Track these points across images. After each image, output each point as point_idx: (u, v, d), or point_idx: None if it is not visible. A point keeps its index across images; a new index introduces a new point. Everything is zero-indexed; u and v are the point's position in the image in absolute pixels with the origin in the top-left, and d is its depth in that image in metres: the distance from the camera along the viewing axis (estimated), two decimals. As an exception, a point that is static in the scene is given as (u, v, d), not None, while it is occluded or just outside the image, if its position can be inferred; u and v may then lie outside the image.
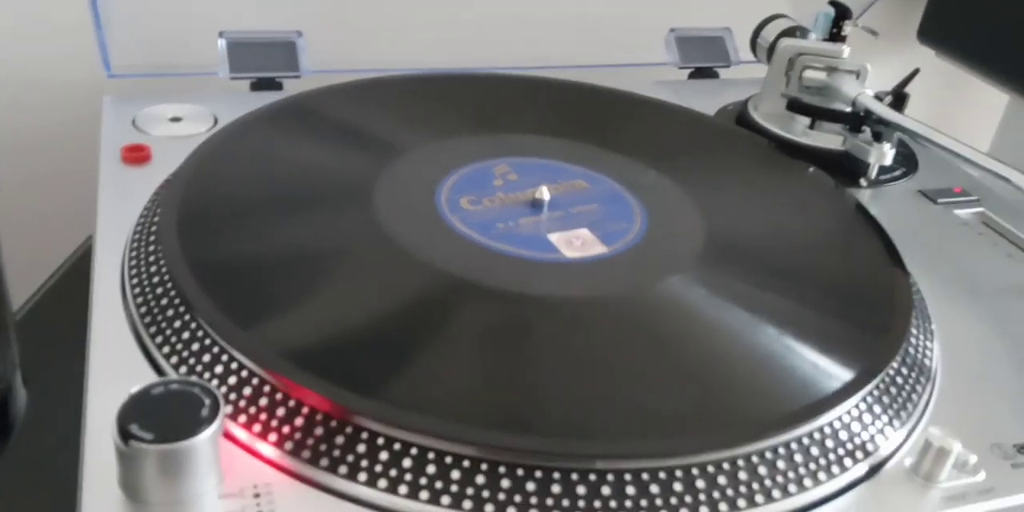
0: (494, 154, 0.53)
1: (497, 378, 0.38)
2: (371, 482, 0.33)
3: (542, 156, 0.54)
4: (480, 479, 0.33)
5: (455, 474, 0.34)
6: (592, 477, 0.34)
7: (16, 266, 0.50)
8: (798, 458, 0.36)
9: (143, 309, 0.40)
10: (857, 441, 0.38)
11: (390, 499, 0.33)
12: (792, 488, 0.36)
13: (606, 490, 0.34)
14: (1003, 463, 0.39)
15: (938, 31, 0.82)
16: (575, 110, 0.61)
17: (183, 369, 0.37)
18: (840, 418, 0.38)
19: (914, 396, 0.41)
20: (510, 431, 0.35)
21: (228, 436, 0.35)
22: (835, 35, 0.65)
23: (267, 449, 0.35)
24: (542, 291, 0.42)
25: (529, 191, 0.50)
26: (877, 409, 0.39)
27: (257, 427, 0.35)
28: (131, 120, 0.56)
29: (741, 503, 0.35)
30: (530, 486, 0.33)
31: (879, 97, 0.59)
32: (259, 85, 0.63)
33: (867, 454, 0.38)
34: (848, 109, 0.60)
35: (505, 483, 0.33)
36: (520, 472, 0.34)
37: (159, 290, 0.40)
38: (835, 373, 0.40)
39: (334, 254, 0.44)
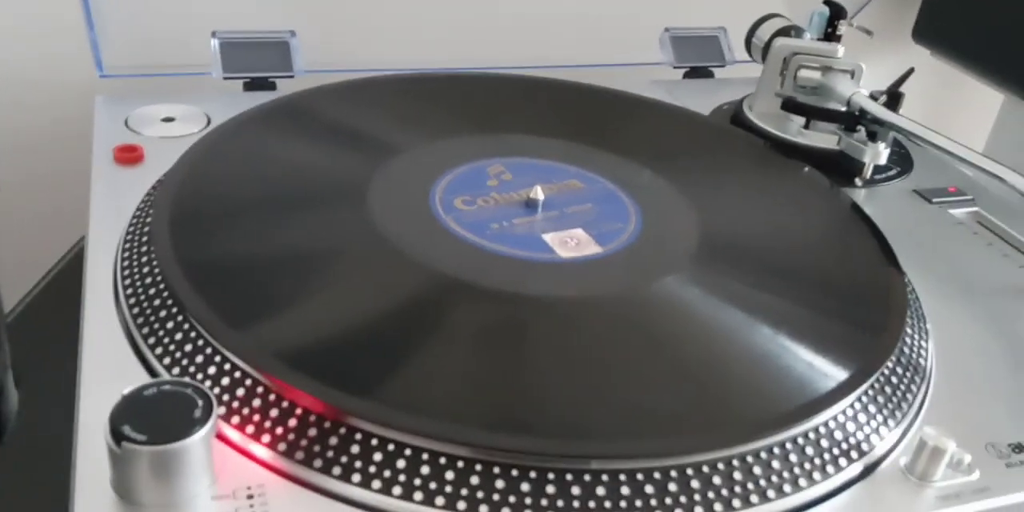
0: (488, 154, 0.53)
1: (491, 378, 0.38)
2: (365, 483, 0.33)
3: (536, 156, 0.54)
4: (474, 480, 0.33)
5: (449, 475, 0.33)
6: (587, 477, 0.34)
7: (8, 266, 0.50)
8: (793, 458, 0.36)
9: (136, 310, 0.40)
10: (852, 441, 0.38)
11: (384, 500, 0.33)
12: (787, 488, 0.36)
13: (601, 490, 0.34)
14: (998, 462, 0.39)
15: (933, 30, 0.82)
16: (570, 110, 0.61)
17: (176, 370, 0.37)
18: (835, 418, 0.38)
19: (909, 396, 0.41)
20: (505, 431, 0.35)
21: (221, 437, 0.35)
22: (830, 35, 0.65)
23: (260, 450, 0.34)
24: (537, 291, 0.42)
25: (524, 191, 0.50)
26: (872, 408, 0.39)
27: (250, 428, 0.35)
28: (124, 120, 0.56)
29: (736, 503, 0.35)
30: (525, 487, 0.33)
31: (874, 97, 0.59)
32: (252, 85, 0.63)
33: (862, 453, 0.38)
34: (843, 109, 0.60)
35: (500, 484, 0.33)
36: (515, 472, 0.34)
37: (152, 291, 0.40)
38: (830, 373, 0.40)
39: (328, 254, 0.44)
